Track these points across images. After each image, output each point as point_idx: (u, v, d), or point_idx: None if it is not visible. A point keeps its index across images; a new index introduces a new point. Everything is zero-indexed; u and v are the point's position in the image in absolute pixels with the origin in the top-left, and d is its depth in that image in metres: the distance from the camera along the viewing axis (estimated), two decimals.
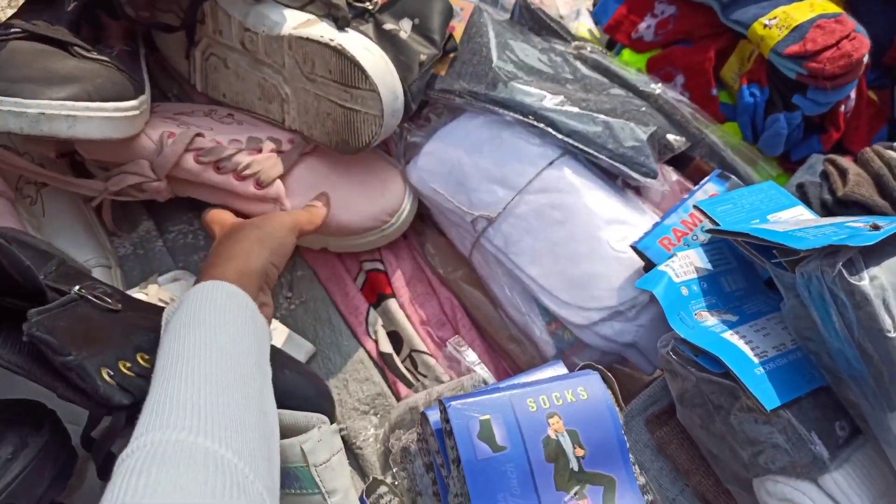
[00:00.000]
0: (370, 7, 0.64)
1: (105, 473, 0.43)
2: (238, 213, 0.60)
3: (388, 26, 0.64)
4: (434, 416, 0.47)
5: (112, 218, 0.68)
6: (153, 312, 0.46)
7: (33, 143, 0.65)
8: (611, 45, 0.81)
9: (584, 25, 0.83)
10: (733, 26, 0.69)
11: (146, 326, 0.45)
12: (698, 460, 0.51)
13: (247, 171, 0.61)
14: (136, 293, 0.60)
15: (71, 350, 0.38)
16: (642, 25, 0.77)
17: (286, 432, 0.45)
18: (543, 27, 0.76)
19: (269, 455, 0.37)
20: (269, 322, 0.51)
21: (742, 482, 0.48)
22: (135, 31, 0.67)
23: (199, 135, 0.61)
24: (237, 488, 0.31)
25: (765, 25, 0.65)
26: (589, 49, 0.73)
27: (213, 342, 0.38)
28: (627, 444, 0.46)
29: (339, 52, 0.57)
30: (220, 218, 0.57)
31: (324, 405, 0.52)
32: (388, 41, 0.63)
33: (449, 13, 0.67)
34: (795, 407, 0.44)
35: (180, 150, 0.60)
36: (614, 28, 0.79)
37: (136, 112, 0.60)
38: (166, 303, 0.59)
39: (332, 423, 0.48)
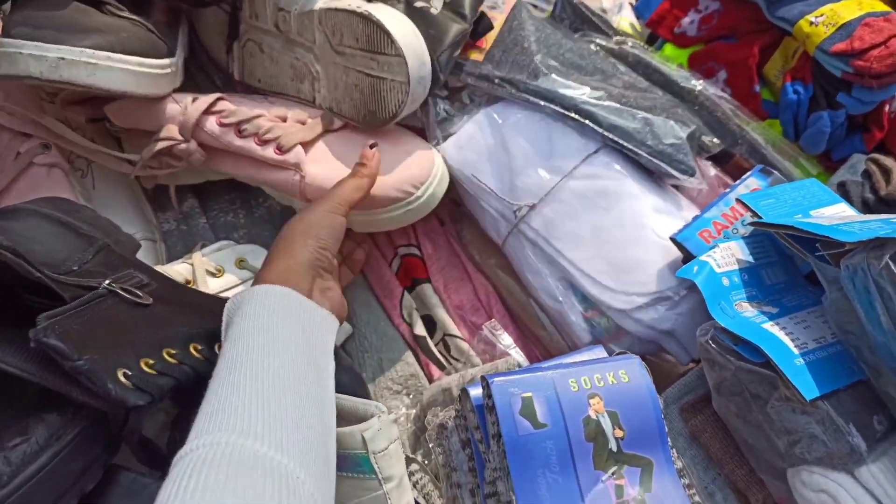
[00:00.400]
0: None
1: (142, 460, 0.44)
2: (263, 184, 0.62)
3: (419, 4, 0.64)
4: (475, 391, 0.48)
5: (157, 196, 0.70)
6: (185, 305, 0.45)
7: (68, 106, 0.66)
8: (652, 40, 0.81)
9: (626, 20, 0.84)
10: (778, 23, 0.69)
11: (176, 321, 0.44)
12: (732, 449, 0.52)
13: (268, 136, 0.61)
14: (182, 263, 0.61)
15: (83, 353, 0.37)
16: (685, 20, 0.77)
17: (346, 417, 0.46)
18: (585, 21, 0.76)
19: (325, 452, 0.37)
20: (342, 304, 0.51)
21: (776, 472, 0.48)
22: (178, 10, 0.68)
23: (221, 98, 0.62)
24: (287, 490, 0.32)
25: (811, 23, 0.65)
26: (630, 44, 0.73)
27: (265, 347, 0.38)
28: (666, 428, 0.47)
29: (366, 18, 0.58)
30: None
31: (360, 394, 0.52)
32: (418, 16, 0.63)
33: None
34: (834, 399, 0.45)
35: (202, 108, 0.61)
36: (657, 23, 0.79)
37: (161, 71, 0.60)
38: (213, 273, 0.60)
39: None
